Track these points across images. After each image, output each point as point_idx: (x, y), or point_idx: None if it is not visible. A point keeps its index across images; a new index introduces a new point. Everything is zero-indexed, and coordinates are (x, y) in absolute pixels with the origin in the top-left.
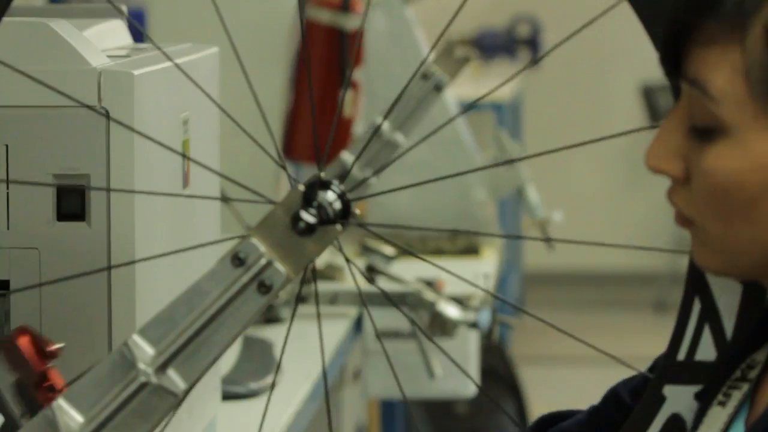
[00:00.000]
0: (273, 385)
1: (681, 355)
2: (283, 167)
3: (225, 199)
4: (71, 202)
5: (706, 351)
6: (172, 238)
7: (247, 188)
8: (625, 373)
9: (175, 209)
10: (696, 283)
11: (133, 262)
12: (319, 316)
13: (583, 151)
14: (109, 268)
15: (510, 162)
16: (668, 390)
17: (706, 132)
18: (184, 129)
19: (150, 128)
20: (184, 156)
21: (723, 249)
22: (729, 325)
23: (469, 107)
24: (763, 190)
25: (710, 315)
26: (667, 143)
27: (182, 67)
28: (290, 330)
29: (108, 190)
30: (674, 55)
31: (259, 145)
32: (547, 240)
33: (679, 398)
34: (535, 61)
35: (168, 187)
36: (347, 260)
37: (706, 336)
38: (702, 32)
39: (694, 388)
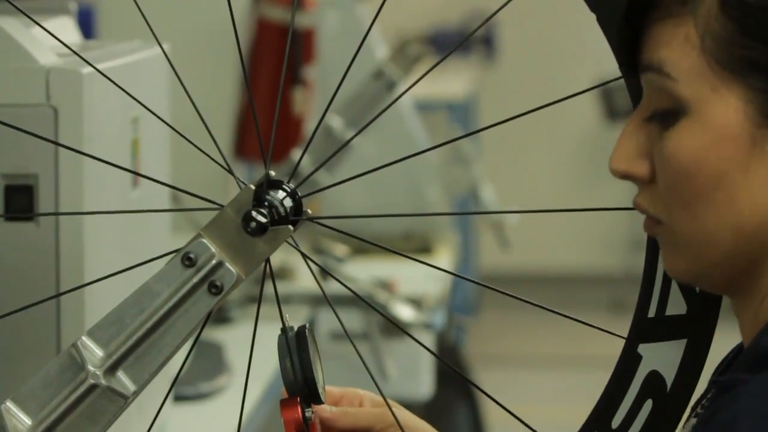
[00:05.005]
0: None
1: (651, 312)
2: (230, 171)
3: (174, 210)
4: (19, 202)
5: (677, 305)
6: (122, 237)
7: (195, 195)
8: (582, 375)
9: (125, 208)
10: None
11: (82, 286)
12: (282, 316)
13: (541, 149)
14: (58, 295)
15: (459, 139)
16: (643, 348)
17: (667, 117)
18: (133, 127)
19: (99, 127)
20: (131, 172)
21: (691, 243)
22: None
23: (411, 86)
24: (725, 164)
25: None
26: (630, 145)
27: (130, 67)
28: (254, 332)
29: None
30: (630, 45)
31: (204, 152)
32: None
33: (655, 355)
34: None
35: (117, 186)
36: (304, 255)
37: (675, 290)
38: (656, 10)
39: (669, 344)
